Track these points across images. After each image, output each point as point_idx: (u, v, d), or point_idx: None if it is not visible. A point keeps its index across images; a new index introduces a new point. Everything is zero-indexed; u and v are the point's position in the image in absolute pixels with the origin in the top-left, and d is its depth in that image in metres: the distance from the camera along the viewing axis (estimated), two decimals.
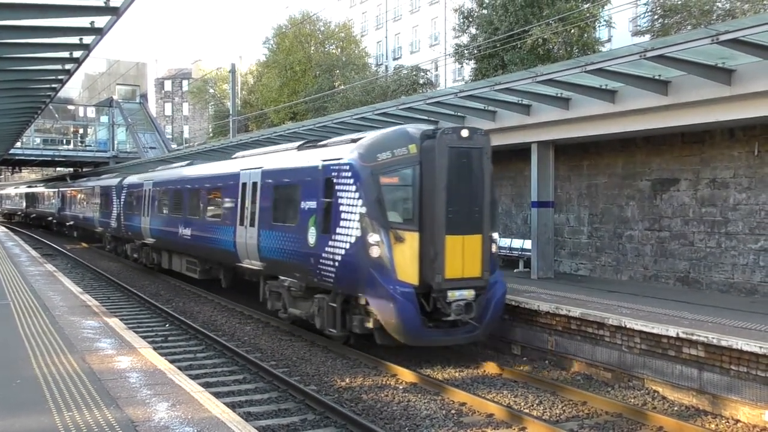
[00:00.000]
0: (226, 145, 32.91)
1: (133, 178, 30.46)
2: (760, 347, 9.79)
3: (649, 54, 12.44)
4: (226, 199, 18.53)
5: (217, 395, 9.06)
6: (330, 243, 13.03)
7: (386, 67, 62.19)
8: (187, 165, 25.55)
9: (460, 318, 12.11)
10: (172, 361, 10.54)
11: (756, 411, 9.77)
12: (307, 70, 57.52)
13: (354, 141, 13.37)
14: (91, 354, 9.71)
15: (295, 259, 14.39)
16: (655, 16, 29.48)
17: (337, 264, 12.81)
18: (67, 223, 47.70)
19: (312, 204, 13.86)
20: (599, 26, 33.84)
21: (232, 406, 9.45)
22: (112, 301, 20.35)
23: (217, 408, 7.37)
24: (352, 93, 46.81)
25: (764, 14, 18.52)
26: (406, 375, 11.87)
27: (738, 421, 9.93)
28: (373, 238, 12.12)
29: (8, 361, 9.18)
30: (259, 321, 17.26)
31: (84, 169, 66.48)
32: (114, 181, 33.62)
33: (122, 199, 30.35)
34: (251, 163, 17.63)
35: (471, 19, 35.05)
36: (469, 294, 12.23)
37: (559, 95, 16.20)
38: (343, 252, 12.66)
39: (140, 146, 61.39)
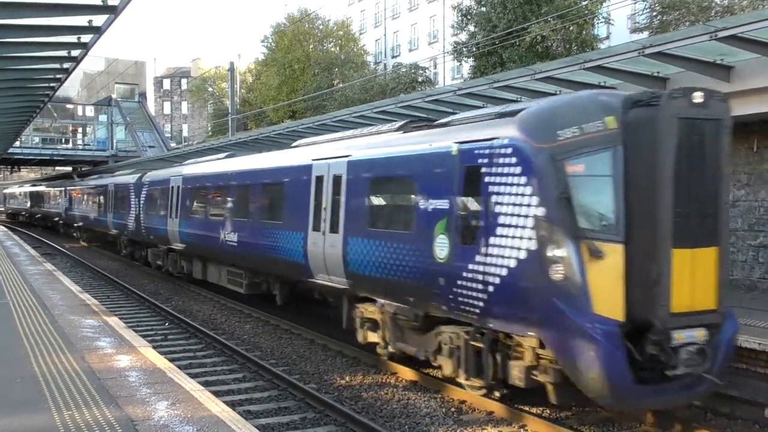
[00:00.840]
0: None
1: (155, 174, 26.54)
2: None
3: (647, 51, 12.45)
4: (292, 198, 14.97)
5: (216, 394, 9.07)
6: (477, 258, 9.37)
7: (385, 65, 62.16)
8: (227, 157, 21.46)
9: (690, 371, 8.52)
10: (171, 360, 10.55)
11: None
12: (305, 68, 57.54)
13: (512, 114, 9.66)
14: (90, 353, 9.71)
15: (408, 277, 10.79)
16: (654, 13, 29.49)
17: (489, 287, 9.19)
18: (76, 224, 44.17)
19: (441, 203, 10.19)
20: (598, 23, 33.85)
21: (232, 404, 9.45)
22: (111, 300, 20.34)
23: (217, 407, 7.37)
24: (350, 91, 46.85)
25: (763, 11, 18.54)
26: (406, 373, 11.86)
27: None
28: (556, 251, 8.54)
29: (8, 360, 9.19)
30: (259, 319, 17.26)
31: (83, 168, 66.40)
32: (131, 178, 29.66)
33: (142, 198, 26.65)
34: (328, 152, 13.92)
35: (469, 17, 35.07)
36: (700, 335, 8.56)
37: (557, 93, 16.19)
38: (501, 271, 9.03)
39: (139, 145, 61.38)
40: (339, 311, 13.81)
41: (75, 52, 14.74)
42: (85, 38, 13.42)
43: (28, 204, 66.90)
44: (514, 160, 9.04)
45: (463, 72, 45.69)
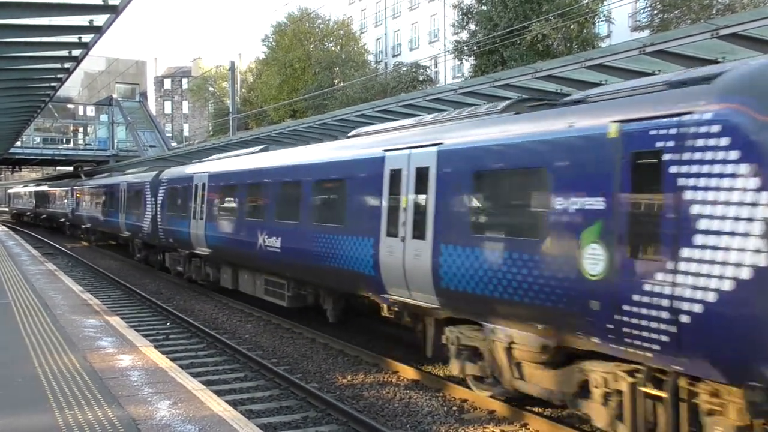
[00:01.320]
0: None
1: (175, 172, 24.35)
2: None
3: (648, 49, 12.42)
4: (356, 197, 12.44)
5: (218, 393, 9.07)
6: (658, 276, 6.99)
7: (386, 64, 62.18)
8: (262, 151, 18.62)
9: None
10: (173, 360, 10.55)
11: None
12: (306, 67, 57.58)
13: (707, 80, 7.25)
14: (92, 352, 9.72)
15: (538, 298, 8.35)
16: (655, 12, 29.48)
17: (682, 316, 6.76)
18: (83, 226, 41.86)
19: (592, 202, 7.78)
20: (599, 22, 33.85)
21: (234, 404, 9.45)
22: (113, 300, 20.35)
23: (219, 406, 7.37)
24: (351, 90, 46.89)
25: (764, 8, 18.53)
26: (408, 372, 11.86)
27: None
28: None
29: (10, 360, 9.20)
30: (260, 319, 17.26)
31: (85, 167, 66.40)
32: (147, 176, 27.50)
33: (160, 198, 24.36)
34: (405, 141, 11.54)
35: (470, 16, 35.09)
36: None
37: (558, 91, 16.18)
38: (706, 295, 6.59)
39: (140, 144, 61.42)
40: (411, 332, 12.18)
41: (76, 52, 14.76)
42: (86, 38, 13.45)
43: (33, 204, 64.58)
44: (724, 141, 6.61)
45: (464, 71, 45.71)
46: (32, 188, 68.27)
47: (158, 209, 24.56)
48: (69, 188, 46.78)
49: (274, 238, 15.28)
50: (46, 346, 10.02)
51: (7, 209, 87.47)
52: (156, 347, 10.86)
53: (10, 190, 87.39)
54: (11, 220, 75.52)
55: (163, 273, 25.29)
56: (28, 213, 67.88)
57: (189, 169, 22.80)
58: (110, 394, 7.65)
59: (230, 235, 18.10)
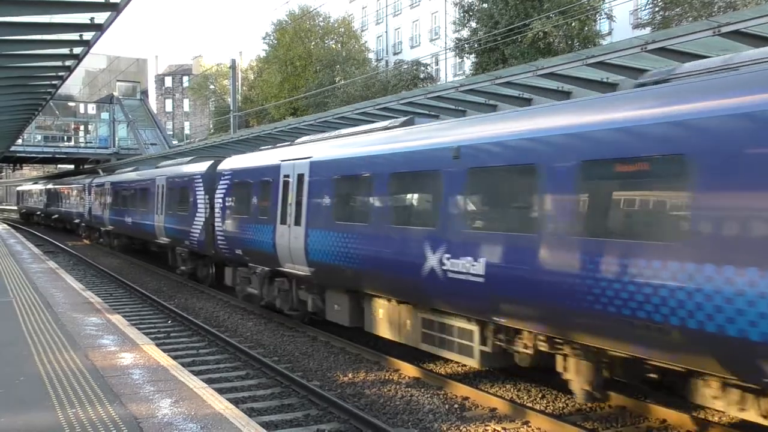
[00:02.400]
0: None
1: (243, 161, 18.29)
2: None
3: (650, 47, 12.41)
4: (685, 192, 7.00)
5: (220, 391, 9.08)
6: None
7: (386, 61, 62.16)
8: (405, 125, 12.63)
9: None
10: (174, 358, 10.56)
11: None
12: (307, 65, 57.57)
13: None
14: (93, 351, 9.72)
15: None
16: (656, 9, 29.45)
17: None
18: (103, 229, 36.25)
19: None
20: (600, 19, 33.82)
21: (236, 401, 9.47)
22: (114, 298, 20.36)
23: (221, 404, 7.38)
24: (352, 88, 46.87)
25: (766, 6, 18.49)
26: (409, 370, 11.86)
27: None
28: None
29: (11, 358, 9.20)
30: (261, 317, 17.26)
31: (85, 166, 66.44)
32: (197, 168, 21.87)
33: (219, 195, 18.80)
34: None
35: (471, 13, 35.07)
36: None
37: (560, 89, 16.17)
38: None
39: (141, 142, 61.47)
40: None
41: (77, 50, 14.77)
42: (87, 36, 13.46)
43: (44, 203, 57.74)
44: None
45: (465, 68, 45.68)
46: (42, 186, 61.57)
47: (217, 210, 18.85)
48: (86, 185, 40.58)
49: (470, 258, 9.63)
50: (48, 345, 10.03)
51: (14, 208, 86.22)
52: (157, 345, 10.87)
53: (19, 188, 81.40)
54: (20, 220, 70.66)
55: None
56: (38, 212, 61.68)
57: (271, 157, 16.44)
58: (112, 392, 7.65)
59: (358, 249, 12.34)
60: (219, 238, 18.67)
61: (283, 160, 15.51)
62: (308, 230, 13.92)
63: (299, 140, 16.77)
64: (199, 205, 20.95)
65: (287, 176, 15.07)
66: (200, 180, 21.06)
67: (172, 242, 24.06)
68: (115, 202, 32.64)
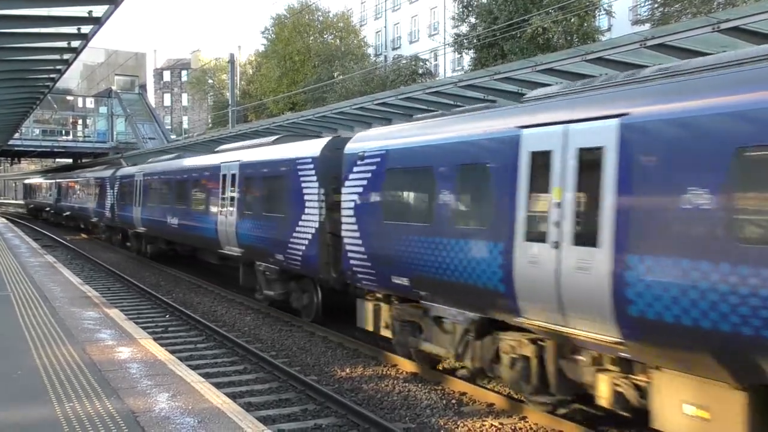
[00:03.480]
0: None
1: (416, 131, 11.53)
2: None
3: (649, 43, 12.40)
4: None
5: (217, 386, 9.08)
6: None
7: (385, 57, 62.07)
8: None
9: None
10: (172, 352, 10.56)
11: None
12: (306, 60, 57.49)
13: None
14: (91, 345, 9.72)
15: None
16: (656, 5, 29.43)
17: None
18: (132, 231, 29.60)
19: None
20: (599, 15, 33.79)
21: (233, 396, 9.46)
22: (112, 292, 20.35)
23: (218, 398, 7.38)
24: (351, 83, 46.82)
25: (765, 2, 18.45)
26: (407, 365, 11.87)
27: None
28: None
29: (9, 352, 9.20)
30: (259, 312, 17.26)
31: (83, 160, 66.27)
32: (301, 150, 15.18)
33: (354, 191, 12.42)
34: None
35: (470, 9, 35.04)
36: None
37: (559, 84, 16.15)
38: None
39: (139, 137, 61.39)
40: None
41: (75, 43, 14.72)
42: (85, 29, 13.41)
43: (54, 197, 51.27)
44: None
45: (464, 64, 45.64)
46: (52, 179, 55.87)
47: (348, 211, 12.53)
48: (108, 177, 33.88)
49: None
50: (45, 339, 10.02)
51: (12, 201, 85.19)
52: (155, 340, 10.86)
53: (26, 181, 76.10)
54: (28, 215, 66.22)
55: (161, 264, 22.26)
56: (48, 208, 55.18)
57: (509, 122, 9.30)
58: (109, 386, 7.65)
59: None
60: (355, 255, 12.22)
61: (501, 132, 9.21)
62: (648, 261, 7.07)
63: (493, 108, 10.95)
64: (307, 203, 14.38)
65: (521, 156, 8.75)
66: (310, 166, 14.38)
67: (248, 254, 17.23)
68: (150, 198, 26.11)
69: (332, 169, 13.58)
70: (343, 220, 12.55)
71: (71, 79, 75.28)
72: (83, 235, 41.83)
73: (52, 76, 19.40)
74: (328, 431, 9.01)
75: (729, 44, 12.37)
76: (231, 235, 17.94)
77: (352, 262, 12.35)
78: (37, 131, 63.35)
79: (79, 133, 68.26)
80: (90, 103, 74.05)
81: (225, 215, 18.24)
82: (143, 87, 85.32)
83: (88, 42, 14.40)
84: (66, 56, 16.04)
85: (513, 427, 9.15)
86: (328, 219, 13.74)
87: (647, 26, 29.17)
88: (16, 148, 58.94)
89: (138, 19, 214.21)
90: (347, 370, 11.82)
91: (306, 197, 14.47)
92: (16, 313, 11.96)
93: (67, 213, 46.18)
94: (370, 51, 63.78)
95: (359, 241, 12.11)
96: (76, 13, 12.35)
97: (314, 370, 11.92)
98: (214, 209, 19.16)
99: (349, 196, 12.48)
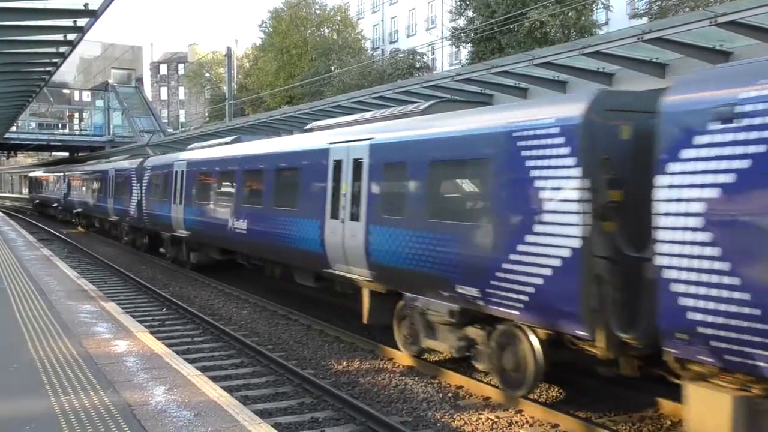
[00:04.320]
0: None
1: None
2: None
3: (646, 36, 12.40)
4: None
5: (214, 379, 9.08)
6: None
7: (383, 50, 61.95)
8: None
9: None
10: (169, 345, 10.55)
11: None
12: (303, 53, 57.37)
13: None
14: (87, 338, 9.71)
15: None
16: None
17: None
18: (168, 235, 23.96)
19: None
20: (597, 9, 33.75)
21: (230, 389, 9.47)
22: (108, 286, 20.32)
23: (215, 392, 7.38)
24: (348, 77, 46.76)
25: None
26: (403, 359, 11.88)
27: None
28: None
29: (5, 346, 9.19)
30: (256, 305, 17.26)
31: (79, 154, 66.13)
32: (515, 117, 9.21)
33: (734, 186, 6.53)
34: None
35: (468, 2, 34.96)
36: None
37: (556, 78, 16.15)
38: None
39: (136, 130, 61.27)
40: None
41: (71, 36, 14.67)
42: (81, 22, 13.37)
43: (64, 192, 45.54)
44: None
45: (462, 58, 45.57)
46: (61, 170, 50.02)
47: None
48: (134, 169, 28.57)
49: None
50: (42, 332, 10.02)
51: (9, 195, 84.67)
52: (152, 333, 10.86)
53: (31, 174, 69.59)
54: (34, 210, 61.38)
55: (157, 258, 22.38)
56: (55, 204, 49.87)
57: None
58: (106, 379, 7.65)
59: None
60: (705, 301, 6.73)
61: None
62: None
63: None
64: (547, 205, 8.59)
65: None
66: (557, 141, 8.46)
67: (388, 280, 11.84)
68: (201, 194, 20.90)
69: (602, 145, 8.13)
70: (663, 235, 7.15)
71: (67, 72, 75.10)
72: (80, 229, 41.72)
73: (48, 69, 19.36)
74: (324, 425, 9.01)
75: (726, 38, 12.37)
76: (353, 251, 12.40)
77: (693, 315, 6.82)
78: (33, 124, 63.24)
79: (76, 127, 68.14)
80: (86, 96, 73.96)
81: (341, 220, 12.87)
82: (140, 80, 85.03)
83: (84, 35, 14.36)
84: (62, 49, 16.01)
85: (509, 421, 9.16)
86: (598, 234, 8.03)
87: (645, 20, 29.17)
88: (12, 142, 58.86)
89: (135, 12, 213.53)
90: (344, 364, 11.83)
91: (543, 194, 8.59)
92: (13, 307, 11.94)
93: (79, 210, 40.79)
94: (368, 45, 63.67)
95: (724, 277, 6.55)
96: (72, 5, 12.32)
97: (311, 364, 11.92)
98: (315, 211, 13.79)
99: (684, 192, 6.95)
